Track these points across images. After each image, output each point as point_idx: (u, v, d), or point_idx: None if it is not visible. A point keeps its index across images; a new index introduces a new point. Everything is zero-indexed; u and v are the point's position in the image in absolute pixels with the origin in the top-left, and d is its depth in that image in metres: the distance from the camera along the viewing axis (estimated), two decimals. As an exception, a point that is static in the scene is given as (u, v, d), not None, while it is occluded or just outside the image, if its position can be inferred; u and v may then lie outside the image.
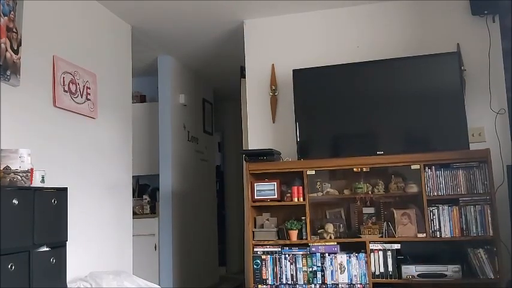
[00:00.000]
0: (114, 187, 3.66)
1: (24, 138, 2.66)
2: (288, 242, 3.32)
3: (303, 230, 3.30)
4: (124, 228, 3.80)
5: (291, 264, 3.28)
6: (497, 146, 3.35)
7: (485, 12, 3.46)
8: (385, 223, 3.24)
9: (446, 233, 3.07)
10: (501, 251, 2.99)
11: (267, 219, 3.45)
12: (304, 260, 3.26)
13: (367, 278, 3.15)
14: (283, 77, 3.85)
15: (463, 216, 3.07)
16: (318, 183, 3.41)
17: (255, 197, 3.41)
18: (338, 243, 3.24)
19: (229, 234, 6.71)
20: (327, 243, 3.24)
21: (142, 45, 4.45)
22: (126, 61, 4.03)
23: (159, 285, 3.65)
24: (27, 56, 2.67)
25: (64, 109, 3.06)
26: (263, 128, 3.91)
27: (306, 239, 3.28)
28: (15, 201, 2.02)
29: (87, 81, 3.33)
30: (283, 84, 3.85)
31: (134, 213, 4.37)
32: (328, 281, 3.20)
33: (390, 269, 3.13)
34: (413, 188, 3.21)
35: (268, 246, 3.35)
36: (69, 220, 2.40)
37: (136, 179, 5.08)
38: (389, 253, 3.13)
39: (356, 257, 3.18)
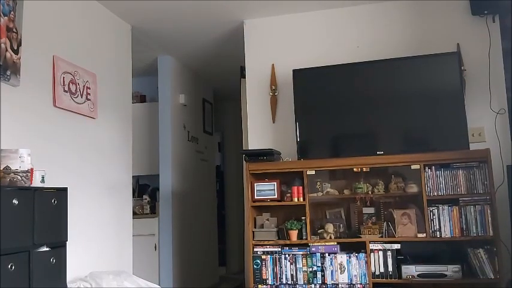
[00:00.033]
0: (114, 187, 3.66)
1: (24, 138, 2.66)
2: (288, 242, 3.32)
3: (303, 230, 3.30)
4: (124, 228, 3.80)
5: (291, 264, 3.28)
6: (497, 146, 3.35)
7: (485, 12, 3.46)
8: (385, 223, 3.24)
9: (446, 233, 3.07)
10: (501, 251, 2.99)
11: (267, 219, 3.45)
12: (304, 260, 3.26)
13: (367, 278, 3.15)
14: (283, 77, 3.85)
15: (463, 216, 3.07)
16: (318, 183, 3.41)
17: (255, 197, 3.41)
18: (338, 243, 3.24)
19: (229, 234, 6.71)
20: (327, 243, 3.24)
21: (142, 45, 4.45)
22: (126, 61, 4.03)
23: (159, 285, 3.65)
24: (27, 56, 2.67)
25: (64, 109, 3.06)
26: (263, 128, 3.91)
27: (306, 239, 3.28)
28: (15, 201, 2.02)
29: (87, 81, 3.33)
30: (283, 84, 3.85)
31: (134, 213, 4.37)
32: (328, 281, 3.20)
33: (390, 269, 3.13)
34: (413, 188, 3.21)
35: (268, 246, 3.35)
36: (69, 220, 2.40)
37: (136, 179, 5.07)
38: (389, 253, 3.13)
39: (356, 257, 3.18)
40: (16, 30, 2.57)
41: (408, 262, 3.13)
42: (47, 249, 2.22)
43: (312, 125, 3.52)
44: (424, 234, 3.10)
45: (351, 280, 3.17)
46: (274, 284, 3.30)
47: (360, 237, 3.22)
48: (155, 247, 4.73)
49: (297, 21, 3.94)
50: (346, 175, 3.43)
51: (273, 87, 3.89)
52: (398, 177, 3.28)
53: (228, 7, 3.76)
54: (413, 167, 3.17)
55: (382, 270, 3.14)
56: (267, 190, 3.40)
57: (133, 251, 3.92)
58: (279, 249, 3.32)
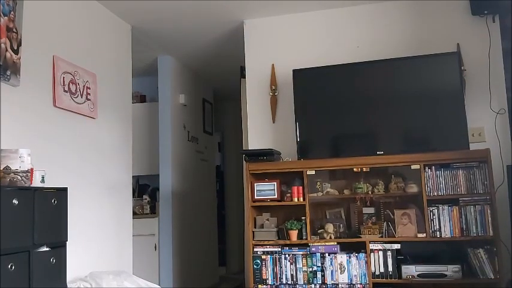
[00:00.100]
0: (114, 187, 3.66)
1: (24, 138, 2.66)
2: (288, 242, 3.32)
3: (303, 230, 3.30)
4: (124, 228, 3.80)
5: (291, 264, 3.28)
6: (497, 146, 3.35)
7: (485, 12, 3.46)
8: (385, 223, 3.24)
9: (446, 233, 3.07)
10: (501, 251, 2.99)
11: (267, 219, 3.45)
12: (304, 260, 3.26)
13: (367, 278, 3.15)
14: (283, 77, 3.85)
15: (463, 216, 3.07)
16: (318, 183, 3.40)
17: (255, 197, 3.41)
18: (338, 243, 3.24)
19: (229, 234, 6.71)
20: (327, 243, 3.24)
21: (142, 45, 4.45)
22: (126, 61, 4.03)
23: (159, 285, 3.65)
24: (27, 56, 2.67)
25: (64, 109, 3.06)
26: (263, 128, 3.91)
27: (306, 239, 3.28)
28: (15, 201, 2.02)
29: (87, 81, 3.33)
30: (283, 84, 3.85)
31: (134, 213, 4.37)
32: (328, 281, 3.20)
33: (390, 269, 3.13)
34: (413, 188, 3.21)
35: (268, 246, 3.35)
36: (69, 220, 2.40)
37: (136, 179, 5.07)
38: (389, 253, 3.13)
39: (356, 257, 3.18)
40: (16, 30, 2.57)
41: (408, 262, 3.13)
42: (47, 249, 2.22)
43: (312, 125, 3.52)
44: (424, 234, 3.10)
45: (351, 280, 3.17)
46: (274, 284, 3.30)
47: (360, 237, 3.22)
48: (155, 247, 4.73)
49: (297, 21, 3.94)
50: (346, 175, 3.43)
51: (273, 87, 3.89)
52: (398, 177, 3.28)
53: (228, 7, 3.76)
54: (413, 167, 3.17)
55: (382, 270, 3.14)
56: (267, 190, 3.40)
57: (133, 251, 3.92)
58: (279, 249, 3.32)
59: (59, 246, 2.31)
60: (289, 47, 3.92)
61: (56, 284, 2.25)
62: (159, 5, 3.65)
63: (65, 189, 2.39)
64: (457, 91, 3.24)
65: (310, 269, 3.24)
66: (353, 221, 3.41)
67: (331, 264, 3.21)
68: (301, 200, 3.31)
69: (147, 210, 4.93)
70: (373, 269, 3.15)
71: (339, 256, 3.20)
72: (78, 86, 3.21)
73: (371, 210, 3.35)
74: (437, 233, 3.09)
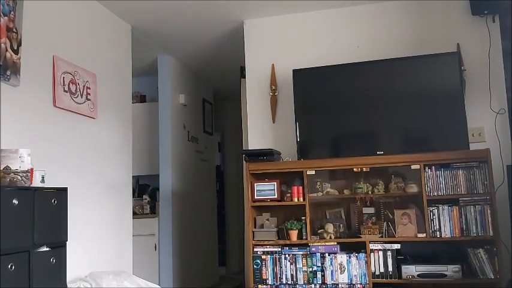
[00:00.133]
0: (114, 187, 3.66)
1: (24, 138, 2.66)
2: (288, 242, 3.32)
3: (303, 230, 3.30)
4: (124, 228, 3.80)
5: (291, 264, 3.28)
6: (497, 146, 3.35)
7: (485, 12, 3.46)
8: (385, 223, 3.24)
9: (446, 233, 3.07)
10: (501, 251, 2.99)
11: (267, 219, 3.45)
12: (304, 260, 3.26)
13: (367, 278, 3.15)
14: (283, 77, 3.85)
15: (463, 216, 3.07)
16: (318, 183, 3.40)
17: (255, 197, 3.41)
18: (338, 243, 3.24)
19: (229, 234, 6.71)
20: (327, 243, 3.24)
21: (142, 45, 4.45)
22: (126, 61, 4.03)
23: (159, 285, 3.65)
24: (27, 56, 2.67)
25: (64, 109, 3.06)
26: (263, 128, 3.91)
27: (306, 239, 3.28)
28: (15, 201, 2.02)
29: (87, 81, 3.33)
30: (283, 84, 3.85)
31: (134, 213, 4.37)
32: (328, 281, 3.20)
33: (390, 269, 3.13)
34: (413, 188, 3.21)
35: (268, 246, 3.35)
36: (69, 220, 2.40)
37: (136, 179, 5.07)
38: (389, 253, 3.13)
39: (356, 257, 3.18)
40: (16, 30, 2.57)
41: (408, 262, 3.13)
42: (47, 249, 2.22)
43: (312, 125, 3.52)
44: (424, 234, 3.10)
45: (351, 280, 3.17)
46: (274, 284, 3.30)
47: (360, 237, 3.22)
48: (155, 247, 4.73)
49: (297, 21, 3.94)
50: (346, 175, 3.43)
51: (273, 87, 3.89)
52: (398, 177, 3.28)
53: (228, 7, 3.76)
54: (413, 167, 3.17)
55: (382, 270, 3.14)
56: (267, 190, 3.40)
57: (133, 251, 3.92)
58: (279, 249, 3.32)
59: (59, 246, 2.31)
60: (289, 47, 3.92)
61: (56, 284, 2.25)
62: (159, 5, 3.65)
63: (65, 189, 2.39)
64: (457, 91, 3.24)
65: (310, 269, 3.24)
66: (353, 221, 3.41)
67: (331, 264, 3.21)
68: (301, 200, 3.31)
69: (147, 210, 4.93)
70: (373, 269, 3.15)
71: (339, 256, 3.20)
72: (78, 86, 3.21)
73: (371, 210, 3.35)
74: (437, 233, 3.09)
